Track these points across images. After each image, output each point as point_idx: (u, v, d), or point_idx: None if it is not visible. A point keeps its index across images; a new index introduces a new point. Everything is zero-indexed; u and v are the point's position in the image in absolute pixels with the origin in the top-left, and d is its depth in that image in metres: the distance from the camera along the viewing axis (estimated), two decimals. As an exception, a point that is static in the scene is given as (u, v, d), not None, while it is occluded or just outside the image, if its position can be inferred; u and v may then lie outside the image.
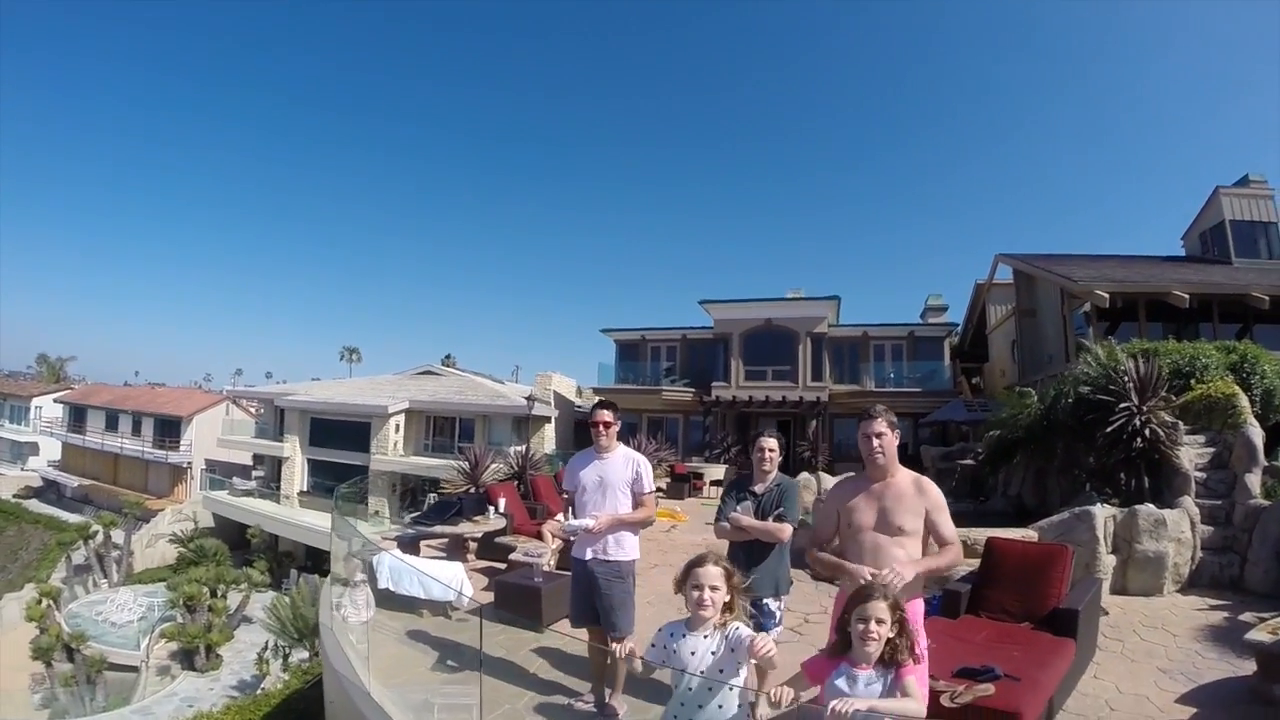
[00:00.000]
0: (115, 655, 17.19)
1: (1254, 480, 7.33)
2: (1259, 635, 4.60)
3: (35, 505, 35.04)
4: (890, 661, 2.25)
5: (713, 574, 2.40)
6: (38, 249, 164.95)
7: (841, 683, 2.27)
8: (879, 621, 2.24)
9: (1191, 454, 7.85)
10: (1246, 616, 5.75)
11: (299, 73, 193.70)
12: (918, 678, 2.31)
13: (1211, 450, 8.05)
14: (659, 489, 12.47)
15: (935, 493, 2.89)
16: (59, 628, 17.32)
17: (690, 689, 2.35)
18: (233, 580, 19.78)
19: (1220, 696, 4.23)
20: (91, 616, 19.52)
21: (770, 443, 4.01)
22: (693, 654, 2.38)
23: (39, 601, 18.31)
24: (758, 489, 3.99)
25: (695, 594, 2.39)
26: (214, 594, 18.31)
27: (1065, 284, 15.36)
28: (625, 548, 4.03)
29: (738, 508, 3.94)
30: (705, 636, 2.40)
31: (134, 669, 16.85)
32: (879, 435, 2.90)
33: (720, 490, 10.58)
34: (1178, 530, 6.62)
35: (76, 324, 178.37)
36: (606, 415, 4.08)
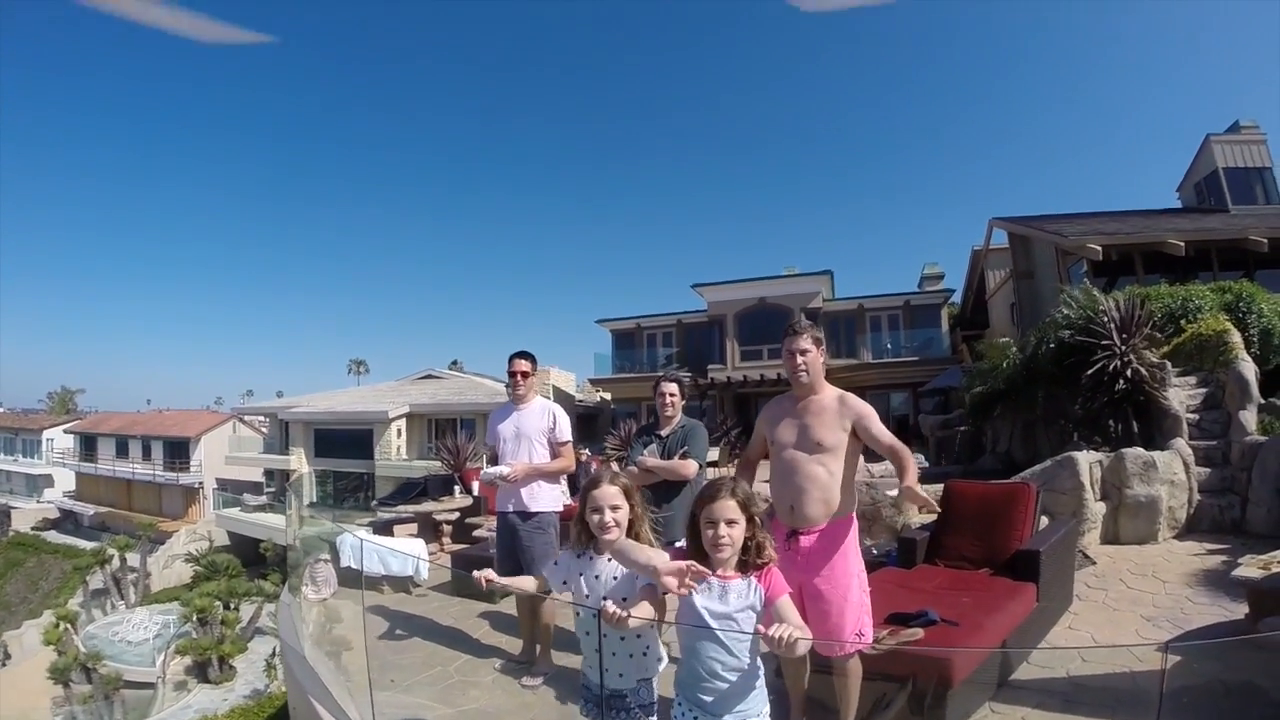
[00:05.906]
0: (132, 673, 17.33)
1: (1249, 417, 7.03)
2: (1248, 571, 4.31)
3: (53, 536, 35.40)
4: (751, 565, 1.98)
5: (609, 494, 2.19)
6: (41, 280, 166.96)
7: (700, 599, 1.98)
8: (729, 523, 1.96)
9: (1182, 395, 7.56)
10: (1245, 559, 5.48)
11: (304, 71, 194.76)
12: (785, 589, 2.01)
13: (1204, 391, 7.74)
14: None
15: (859, 405, 2.78)
16: (76, 649, 17.49)
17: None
18: (245, 592, 19.91)
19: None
20: (108, 637, 19.67)
21: (671, 387, 3.97)
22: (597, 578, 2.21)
23: (56, 625, 18.59)
24: (663, 432, 3.94)
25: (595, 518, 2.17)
26: (226, 606, 18.42)
27: (1058, 241, 15.06)
28: (545, 499, 3.96)
29: (644, 451, 3.87)
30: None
31: (151, 685, 17.00)
32: (803, 352, 2.78)
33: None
34: (1170, 472, 6.34)
35: (86, 360, 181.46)
36: (523, 365, 4.01)
